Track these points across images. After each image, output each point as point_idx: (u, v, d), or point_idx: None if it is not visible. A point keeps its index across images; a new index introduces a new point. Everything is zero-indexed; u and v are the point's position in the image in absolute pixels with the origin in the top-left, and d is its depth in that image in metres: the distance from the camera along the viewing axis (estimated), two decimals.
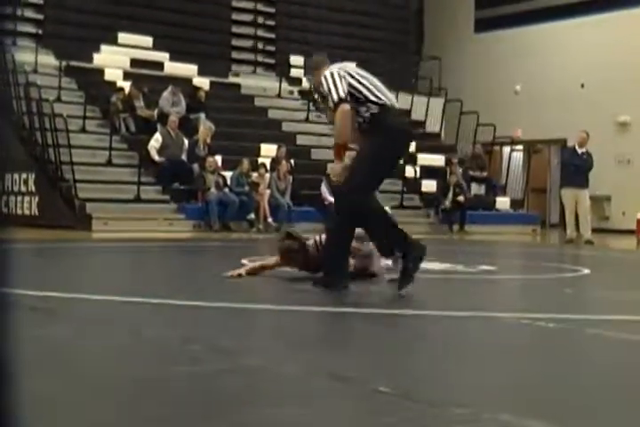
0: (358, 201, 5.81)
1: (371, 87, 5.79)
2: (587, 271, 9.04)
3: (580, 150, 15.33)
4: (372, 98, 5.72)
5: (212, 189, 16.24)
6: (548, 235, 20.07)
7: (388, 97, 5.84)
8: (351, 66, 6.04)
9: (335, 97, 5.70)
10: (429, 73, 23.45)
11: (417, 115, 22.39)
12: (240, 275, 6.84)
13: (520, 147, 22.97)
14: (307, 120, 20.72)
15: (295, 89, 21.89)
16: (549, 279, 8.18)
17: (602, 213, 20.86)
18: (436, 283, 6.70)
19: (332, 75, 5.79)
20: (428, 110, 22.01)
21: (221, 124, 18.26)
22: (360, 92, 5.74)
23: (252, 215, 16.50)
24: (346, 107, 5.69)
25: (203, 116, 18.47)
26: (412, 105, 22.52)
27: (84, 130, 17.32)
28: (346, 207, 5.89)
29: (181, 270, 8.64)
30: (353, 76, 5.82)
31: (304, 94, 21.50)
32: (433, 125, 22.12)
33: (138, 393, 2.98)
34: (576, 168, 15.14)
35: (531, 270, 9.80)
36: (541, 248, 15.78)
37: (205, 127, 17.62)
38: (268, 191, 16.84)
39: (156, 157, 16.77)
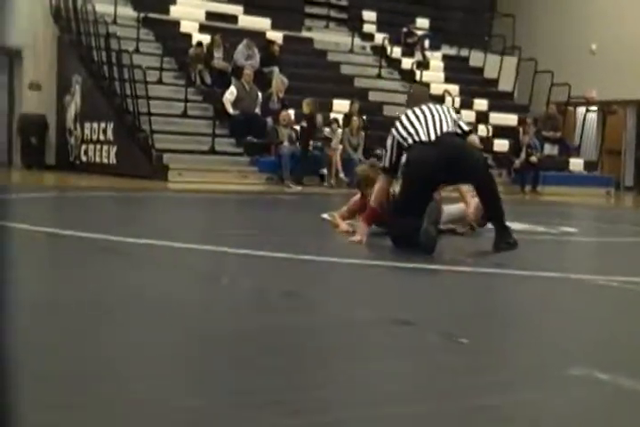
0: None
1: (411, 130, 6.88)
2: None
3: None
4: (409, 140, 6.90)
5: (285, 143, 16.46)
6: (623, 197, 19.94)
7: (424, 133, 6.85)
8: (421, 109, 7.07)
9: (386, 163, 7.15)
10: (503, 31, 23.28)
11: (489, 73, 22.34)
12: (360, 241, 7.10)
13: (594, 108, 22.75)
14: (379, 76, 20.80)
15: (367, 45, 21.95)
16: (632, 242, 8.25)
17: None
18: (520, 243, 6.83)
19: (392, 137, 7.04)
20: (501, 69, 21.91)
21: (294, 78, 18.45)
22: (403, 139, 6.93)
23: (325, 170, 16.71)
24: (385, 178, 7.18)
25: (276, 69, 18.66)
26: (484, 63, 22.50)
27: (160, 81, 17.62)
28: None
29: (260, 223, 8.86)
30: (405, 123, 6.97)
31: (376, 50, 21.53)
32: (506, 84, 22.03)
33: (238, 343, 3.12)
34: None
35: (612, 233, 9.83)
36: (618, 210, 15.77)
37: (278, 81, 17.83)
38: (340, 147, 17.01)
39: (231, 110, 17.03)
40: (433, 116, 6.98)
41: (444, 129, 6.92)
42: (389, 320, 3.64)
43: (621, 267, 6.13)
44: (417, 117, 6.96)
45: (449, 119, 7.05)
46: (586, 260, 7.09)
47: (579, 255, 7.35)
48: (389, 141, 7.11)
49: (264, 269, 5.29)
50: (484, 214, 7.42)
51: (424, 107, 7.07)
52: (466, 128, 7.35)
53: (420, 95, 7.69)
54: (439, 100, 19.77)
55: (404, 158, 7.26)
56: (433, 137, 6.84)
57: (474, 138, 7.67)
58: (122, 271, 4.94)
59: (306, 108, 17.05)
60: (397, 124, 7.05)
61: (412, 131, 6.89)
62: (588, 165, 20.31)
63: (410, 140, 6.88)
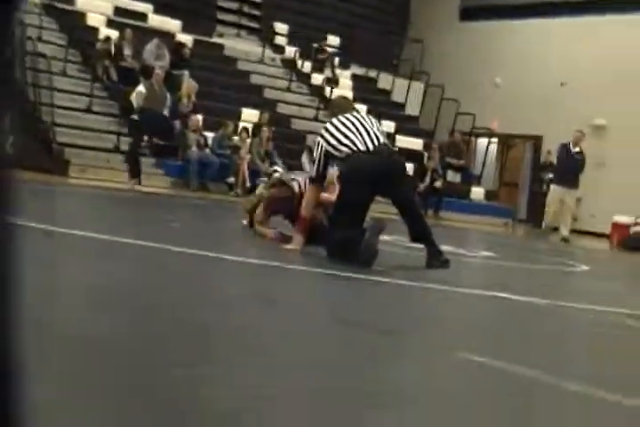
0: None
1: (344, 141, 6.87)
2: (584, 267, 9.49)
3: (574, 149, 15.69)
4: (344, 149, 6.88)
5: (194, 148, 16.19)
6: (519, 229, 20.38)
7: (360, 142, 6.83)
8: (349, 118, 7.05)
9: (314, 173, 7.18)
10: (412, 56, 23.60)
11: (397, 96, 22.57)
12: (295, 249, 7.11)
13: (496, 139, 23.22)
14: (288, 89, 20.69)
15: (278, 57, 21.85)
16: (551, 270, 8.60)
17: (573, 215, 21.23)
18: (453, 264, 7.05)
19: (318, 144, 7.07)
20: (408, 93, 22.16)
21: (203, 83, 18.18)
22: (335, 149, 6.93)
23: (232, 178, 16.49)
24: (315, 188, 7.20)
25: (187, 73, 18.34)
26: (392, 86, 22.72)
27: (65, 73, 17.08)
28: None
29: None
30: (334, 132, 6.96)
31: (287, 63, 21.47)
32: (412, 109, 22.28)
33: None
34: (568, 168, 15.51)
35: (529, 260, 10.26)
36: (522, 240, 16.11)
37: (190, 84, 17.55)
38: (248, 156, 16.83)
39: (138, 110, 16.57)
40: (364, 126, 6.95)
41: (381, 139, 6.90)
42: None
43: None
44: (348, 127, 6.92)
45: (380, 129, 7.05)
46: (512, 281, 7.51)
47: (506, 277, 7.80)
48: (316, 152, 7.10)
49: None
50: (409, 233, 7.27)
51: (352, 116, 7.04)
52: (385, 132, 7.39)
53: (344, 103, 7.64)
54: None
55: (333, 168, 7.26)
56: (371, 147, 6.82)
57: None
58: None
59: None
60: (325, 133, 7.00)
61: (346, 141, 6.86)
62: (489, 195, 20.67)
63: (345, 150, 6.85)
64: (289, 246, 7.16)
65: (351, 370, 2.95)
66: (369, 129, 6.93)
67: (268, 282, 5.34)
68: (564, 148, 15.95)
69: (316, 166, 7.10)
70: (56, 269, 4.53)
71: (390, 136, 20.47)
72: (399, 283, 5.99)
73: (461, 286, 6.37)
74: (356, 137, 6.85)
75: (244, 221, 8.46)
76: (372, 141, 6.85)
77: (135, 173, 14.34)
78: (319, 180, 7.18)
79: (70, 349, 2.75)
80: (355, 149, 6.81)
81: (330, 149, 6.93)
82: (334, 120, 7.09)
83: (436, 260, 6.99)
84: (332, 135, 6.94)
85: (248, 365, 2.76)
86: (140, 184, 14.24)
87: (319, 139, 7.09)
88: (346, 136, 6.87)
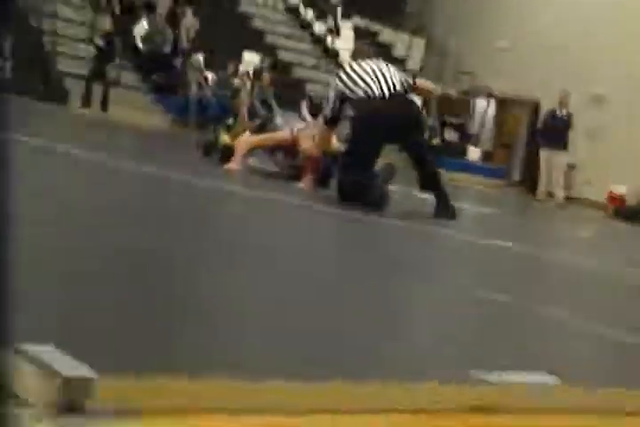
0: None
1: (360, 83, 6.97)
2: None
3: (559, 112, 15.91)
4: (359, 92, 6.98)
5: (194, 87, 16.19)
6: (513, 190, 20.55)
7: (377, 87, 6.93)
8: (369, 63, 7.17)
9: (328, 114, 7.30)
10: (415, 10, 23.52)
11: (398, 51, 22.56)
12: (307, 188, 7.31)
13: (493, 100, 23.26)
14: (290, 36, 20.61)
15: (281, 3, 21.71)
16: None
17: (566, 181, 21.36)
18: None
19: (334, 85, 7.22)
20: (410, 48, 22.15)
21: (206, 23, 18.07)
22: (350, 90, 7.03)
23: (230, 120, 16.46)
24: (327, 128, 7.43)
25: (189, 11, 18.26)
26: (394, 40, 22.71)
27: (68, 2, 16.95)
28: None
29: None
30: (351, 73, 7.07)
31: (290, 10, 21.38)
32: (414, 64, 22.26)
33: None
34: (553, 130, 15.73)
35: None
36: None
37: (190, 20, 17.51)
38: (248, 99, 16.80)
39: (140, 45, 16.59)
40: (383, 72, 7.02)
41: (397, 87, 6.97)
42: None
43: None
44: (365, 71, 7.01)
45: (397, 78, 7.10)
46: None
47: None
48: (332, 92, 7.18)
49: None
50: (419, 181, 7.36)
51: (371, 62, 7.14)
52: (411, 79, 7.41)
53: (366, 50, 7.76)
54: None
55: (349, 110, 7.35)
56: (387, 93, 6.89)
57: (422, 82, 7.77)
58: None
59: None
60: (342, 74, 7.11)
61: (362, 84, 6.95)
62: (485, 155, 20.77)
63: (360, 93, 6.94)
64: (300, 185, 7.27)
65: None
66: (387, 76, 6.99)
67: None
68: (550, 111, 16.21)
69: (330, 107, 7.18)
70: None
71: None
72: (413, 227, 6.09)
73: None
74: (373, 81, 6.93)
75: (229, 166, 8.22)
76: (389, 88, 6.91)
77: (85, 101, 14.53)
78: (333, 121, 7.29)
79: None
80: (370, 92, 6.89)
81: (345, 90, 7.00)
82: (353, 63, 7.19)
83: (444, 210, 7.10)
84: (348, 77, 7.03)
85: None
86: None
87: (335, 79, 7.18)
88: (362, 79, 6.96)
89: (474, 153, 20.47)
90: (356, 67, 7.11)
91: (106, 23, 16.15)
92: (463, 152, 20.29)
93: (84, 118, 13.70)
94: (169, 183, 5.94)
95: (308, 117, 14.22)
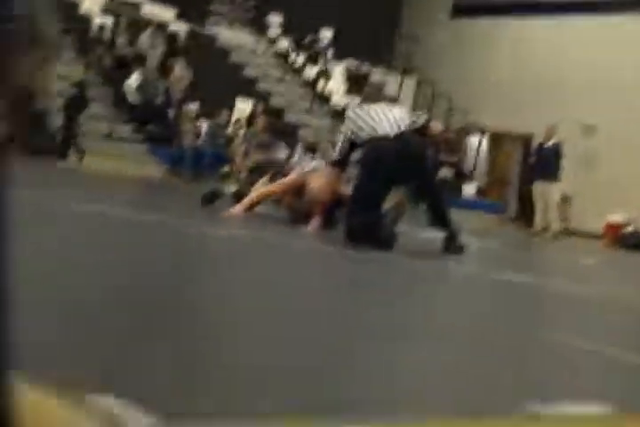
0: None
1: (365, 126, 7.13)
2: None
3: (547, 144, 16.16)
4: (364, 135, 7.14)
5: (187, 137, 16.34)
6: (511, 225, 20.65)
7: (381, 128, 7.08)
8: (374, 107, 7.34)
9: (336, 156, 7.51)
10: (405, 51, 23.79)
11: (389, 91, 22.72)
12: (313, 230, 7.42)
13: (486, 137, 23.43)
14: (281, 81, 20.83)
15: (271, 49, 21.97)
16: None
17: (561, 214, 21.48)
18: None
19: (342, 129, 7.44)
20: (400, 88, 22.34)
21: (197, 73, 18.31)
22: (356, 134, 7.21)
23: (226, 168, 16.60)
24: (335, 171, 7.58)
25: (180, 62, 18.47)
26: (385, 80, 22.86)
27: (59, 59, 17.10)
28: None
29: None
30: (357, 118, 7.25)
31: (280, 55, 21.62)
32: (405, 103, 22.44)
33: None
34: (543, 162, 15.95)
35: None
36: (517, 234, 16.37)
37: (181, 72, 17.68)
38: (243, 147, 16.94)
39: (133, 97, 16.75)
40: (390, 113, 7.18)
41: (403, 127, 7.07)
42: None
43: None
44: (373, 113, 7.20)
45: (405, 117, 7.22)
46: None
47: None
48: (340, 136, 7.41)
49: None
50: (428, 218, 7.46)
51: (379, 104, 7.36)
52: (424, 118, 7.54)
53: (374, 94, 7.91)
54: (341, 112, 20.05)
55: (356, 154, 7.47)
56: (392, 133, 7.03)
57: (436, 124, 7.86)
58: None
59: None
60: (350, 117, 7.31)
61: (369, 125, 7.13)
62: (479, 191, 20.89)
63: (367, 134, 7.11)
64: (307, 228, 7.36)
65: None
66: (393, 117, 7.12)
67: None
68: (539, 144, 16.52)
69: (338, 150, 7.39)
70: None
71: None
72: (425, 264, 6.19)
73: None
74: (379, 122, 7.11)
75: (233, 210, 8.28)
76: (393, 128, 7.02)
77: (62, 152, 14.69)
78: (340, 164, 7.47)
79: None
80: (375, 134, 7.05)
81: (353, 132, 7.18)
82: (362, 106, 7.38)
83: (452, 245, 7.19)
84: (356, 119, 7.22)
85: None
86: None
87: (344, 124, 7.39)
88: (369, 120, 7.14)
89: (469, 189, 20.59)
90: (364, 110, 7.27)
91: (76, 72, 16.22)
92: (459, 189, 20.40)
93: (73, 170, 13.77)
94: (174, 230, 6.02)
95: (304, 160, 14.38)
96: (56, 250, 3.95)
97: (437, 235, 7.33)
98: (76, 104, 15.44)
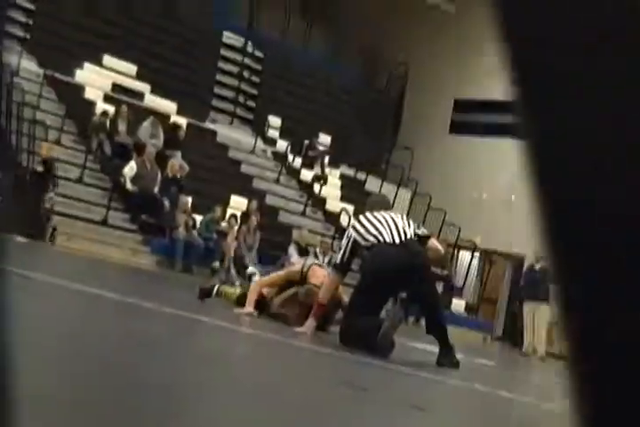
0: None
1: (372, 230, 7.10)
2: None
3: (537, 265, 16.29)
4: (370, 238, 7.07)
5: (181, 229, 16.23)
6: (497, 345, 20.46)
7: (387, 233, 7.04)
8: (382, 214, 7.32)
9: (338, 260, 7.38)
10: (401, 162, 24.02)
11: None
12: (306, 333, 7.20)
13: (477, 254, 23.47)
14: (277, 182, 20.90)
15: (269, 149, 22.15)
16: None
17: (548, 337, 21.32)
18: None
19: (347, 234, 7.38)
20: (395, 199, 22.42)
21: (194, 167, 18.36)
22: (362, 237, 7.14)
23: (217, 264, 16.46)
24: (336, 275, 7.37)
25: (179, 154, 18.54)
26: (380, 190, 23.01)
27: (59, 142, 17.16)
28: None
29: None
30: (364, 222, 7.22)
31: (277, 156, 21.77)
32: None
33: None
34: (533, 283, 16.08)
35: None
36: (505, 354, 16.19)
37: (177, 164, 17.71)
38: (235, 243, 16.86)
39: (129, 186, 16.72)
40: (395, 221, 7.17)
41: (407, 234, 7.06)
42: None
43: None
44: (379, 220, 7.17)
45: (409, 225, 7.21)
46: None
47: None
48: (344, 241, 7.36)
49: None
50: (425, 324, 7.39)
51: (384, 212, 7.33)
52: (426, 232, 7.55)
53: (380, 202, 7.95)
54: (335, 217, 20.06)
55: (359, 259, 7.43)
56: (397, 239, 6.99)
57: (434, 242, 7.79)
58: None
59: None
60: (356, 224, 7.29)
61: (373, 231, 7.09)
62: (469, 308, 20.77)
63: (371, 239, 7.07)
64: (300, 329, 7.21)
65: None
66: (398, 224, 7.13)
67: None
68: (530, 265, 16.78)
69: (341, 254, 7.32)
70: None
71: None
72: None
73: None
74: (384, 228, 7.08)
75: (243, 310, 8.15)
76: (400, 235, 7.02)
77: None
78: (342, 268, 7.35)
79: None
80: (380, 239, 7.02)
81: (358, 237, 7.14)
82: (367, 214, 7.38)
83: (447, 359, 7.07)
84: (361, 225, 7.20)
85: None
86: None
87: (349, 229, 7.39)
88: (374, 226, 7.11)
89: (458, 306, 20.47)
90: (370, 216, 7.29)
91: (43, 148, 16.17)
92: (448, 304, 20.24)
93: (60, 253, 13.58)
94: (161, 316, 5.87)
95: (296, 260, 14.24)
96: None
97: (432, 348, 7.24)
98: (44, 182, 15.34)
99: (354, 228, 7.28)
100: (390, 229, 7.07)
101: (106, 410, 2.34)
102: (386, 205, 7.83)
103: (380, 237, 7.02)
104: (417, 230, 7.35)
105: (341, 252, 7.34)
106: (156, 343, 4.10)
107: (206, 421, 2.38)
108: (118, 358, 3.17)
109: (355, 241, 7.18)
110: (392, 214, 7.36)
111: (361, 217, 7.38)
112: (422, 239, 7.37)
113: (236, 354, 4.92)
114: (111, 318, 5.13)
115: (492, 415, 4.85)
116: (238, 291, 8.75)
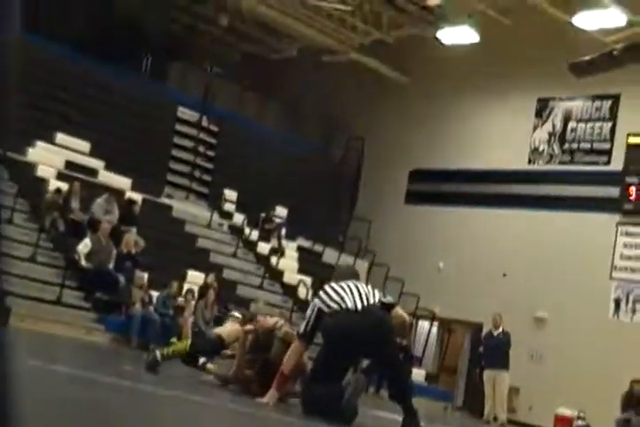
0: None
1: (335, 297, 7.19)
2: None
3: (495, 332, 16.36)
4: (333, 305, 7.17)
5: (137, 305, 16.15)
6: (457, 414, 20.38)
7: (350, 300, 7.15)
8: (347, 283, 7.42)
9: (302, 329, 7.37)
10: (358, 233, 24.14)
11: None
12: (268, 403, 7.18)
13: (437, 323, 23.48)
14: (234, 255, 20.90)
15: (225, 223, 22.18)
16: None
17: (509, 405, 21.28)
18: None
19: (312, 303, 7.45)
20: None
21: (150, 242, 18.33)
22: (325, 305, 7.22)
23: (175, 340, 16.30)
24: (301, 344, 7.37)
25: (134, 230, 18.52)
26: (337, 261, 23.08)
27: (11, 221, 17.05)
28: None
29: None
30: (329, 291, 7.31)
31: (234, 230, 21.80)
32: None
33: None
34: (492, 350, 16.11)
35: None
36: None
37: (131, 239, 17.66)
38: (192, 318, 16.77)
39: (83, 263, 16.65)
40: (358, 289, 7.29)
41: (371, 301, 7.14)
42: None
43: None
44: (342, 288, 7.31)
45: (374, 293, 7.30)
46: None
47: None
48: (309, 310, 7.46)
49: None
50: (388, 390, 7.45)
51: (350, 282, 7.47)
52: (392, 300, 7.64)
53: (346, 271, 8.10)
54: (294, 289, 20.06)
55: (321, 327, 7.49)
56: (359, 306, 7.06)
57: (399, 310, 7.87)
58: None
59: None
60: (321, 292, 7.42)
61: (336, 298, 7.21)
62: (428, 377, 20.70)
63: (334, 306, 7.19)
64: (263, 400, 7.18)
65: None
66: (361, 291, 7.23)
67: None
68: (488, 332, 16.76)
69: (305, 323, 7.37)
70: None
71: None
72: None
73: None
74: (347, 295, 7.20)
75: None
76: (362, 301, 7.09)
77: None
78: (307, 336, 7.39)
79: None
80: (343, 306, 7.11)
81: (322, 305, 7.24)
82: (332, 283, 7.44)
83: (412, 423, 7.07)
84: (325, 293, 7.32)
85: None
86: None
87: (315, 299, 7.48)
88: (338, 294, 7.23)
89: (418, 375, 20.37)
90: (334, 285, 7.38)
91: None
92: (407, 374, 20.17)
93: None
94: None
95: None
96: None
97: (395, 417, 7.24)
98: None
99: (318, 296, 7.39)
100: (353, 296, 7.18)
101: None
102: (353, 274, 7.90)
103: (343, 304, 7.12)
104: (383, 299, 7.42)
105: (306, 320, 7.40)
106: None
107: None
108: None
109: (319, 309, 7.25)
110: (357, 283, 7.45)
111: (326, 286, 7.49)
112: (388, 307, 7.44)
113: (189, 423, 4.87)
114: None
115: None
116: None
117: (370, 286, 7.52)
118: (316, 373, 7.17)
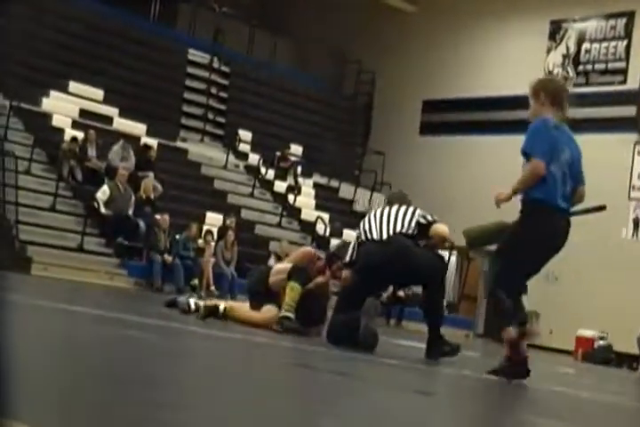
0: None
1: (365, 227, 7.30)
2: None
3: None
4: (361, 236, 7.31)
5: (158, 249, 16.35)
6: (479, 342, 20.59)
7: (376, 231, 7.20)
8: (386, 208, 7.52)
9: (347, 258, 7.47)
10: (373, 167, 24.16)
11: (359, 206, 22.99)
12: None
13: (455, 252, 23.56)
14: (251, 195, 21.01)
15: (241, 163, 22.24)
16: None
17: None
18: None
19: (357, 233, 7.54)
20: (370, 203, 22.59)
21: (168, 186, 18.48)
22: (360, 234, 7.38)
23: (196, 281, 16.56)
24: (347, 273, 7.42)
25: (151, 175, 18.63)
26: (354, 196, 23.18)
27: (29, 172, 17.23)
28: None
29: None
30: (365, 220, 7.44)
31: (250, 170, 21.88)
32: None
33: None
34: None
35: None
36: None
37: (149, 184, 17.80)
38: (212, 259, 16.97)
39: (103, 210, 16.80)
40: (389, 217, 7.21)
41: (397, 229, 7.11)
42: None
43: None
44: (375, 217, 7.31)
45: (410, 218, 7.20)
46: None
47: None
48: (353, 240, 7.58)
49: None
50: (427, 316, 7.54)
51: (390, 207, 7.44)
52: (431, 218, 7.43)
53: (392, 196, 8.06)
54: (312, 226, 20.18)
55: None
56: (385, 235, 7.11)
57: (438, 228, 7.49)
58: None
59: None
60: (361, 222, 7.46)
61: (366, 228, 7.27)
62: (449, 307, 20.86)
63: (362, 236, 7.27)
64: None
65: None
66: (391, 219, 7.21)
67: None
68: None
69: (349, 253, 7.43)
70: None
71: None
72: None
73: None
74: (375, 225, 7.22)
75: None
76: (388, 231, 7.09)
77: None
78: (350, 265, 7.44)
79: None
80: (369, 236, 7.19)
81: (359, 234, 7.38)
82: (377, 209, 7.58)
83: (439, 350, 7.21)
84: (363, 223, 7.39)
85: None
86: None
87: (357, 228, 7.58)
88: (369, 224, 7.29)
89: None
90: (375, 213, 7.42)
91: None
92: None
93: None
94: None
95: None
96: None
97: (417, 344, 7.37)
98: None
99: (359, 226, 7.47)
100: (381, 226, 7.17)
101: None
102: (398, 198, 7.80)
103: (369, 235, 7.19)
104: (421, 219, 7.37)
105: (351, 249, 7.45)
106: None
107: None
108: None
109: (358, 237, 7.39)
110: (395, 209, 7.36)
111: (369, 213, 7.56)
112: (426, 226, 7.33)
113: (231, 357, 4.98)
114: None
115: (485, 398, 5.02)
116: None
117: (410, 211, 7.35)
118: (339, 302, 7.34)
